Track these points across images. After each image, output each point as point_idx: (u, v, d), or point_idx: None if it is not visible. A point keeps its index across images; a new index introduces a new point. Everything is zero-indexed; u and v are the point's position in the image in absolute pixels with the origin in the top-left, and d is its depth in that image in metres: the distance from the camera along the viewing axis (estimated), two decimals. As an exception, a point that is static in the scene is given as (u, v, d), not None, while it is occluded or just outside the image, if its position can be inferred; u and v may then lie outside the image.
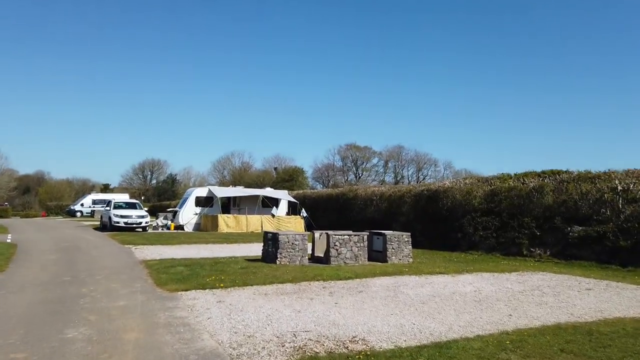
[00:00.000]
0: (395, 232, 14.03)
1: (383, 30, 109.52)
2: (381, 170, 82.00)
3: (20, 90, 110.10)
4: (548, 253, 14.68)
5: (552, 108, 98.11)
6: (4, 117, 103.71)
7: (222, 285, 9.48)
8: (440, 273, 11.76)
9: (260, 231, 27.40)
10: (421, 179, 78.87)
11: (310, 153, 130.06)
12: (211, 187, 30.01)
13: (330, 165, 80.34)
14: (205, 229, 27.65)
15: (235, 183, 59.34)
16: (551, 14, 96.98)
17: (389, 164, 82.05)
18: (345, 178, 79.60)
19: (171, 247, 17.79)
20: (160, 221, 29.00)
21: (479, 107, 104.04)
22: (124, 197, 45.02)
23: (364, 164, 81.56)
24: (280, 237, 12.31)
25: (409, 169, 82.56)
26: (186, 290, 9.05)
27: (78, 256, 14.37)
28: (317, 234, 13.54)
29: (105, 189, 78.20)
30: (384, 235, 13.72)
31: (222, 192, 29.26)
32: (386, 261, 13.49)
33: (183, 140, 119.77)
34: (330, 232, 13.15)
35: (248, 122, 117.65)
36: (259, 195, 29.01)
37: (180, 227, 28.23)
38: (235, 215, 27.93)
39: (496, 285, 10.09)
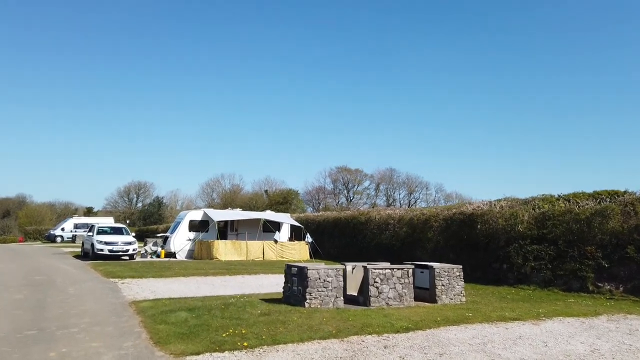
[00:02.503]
0: (443, 264, 11.57)
1: (374, 52, 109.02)
2: (372, 193, 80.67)
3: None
4: (621, 289, 12.31)
5: (543, 132, 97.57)
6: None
7: (245, 344, 6.87)
8: (515, 319, 9.28)
9: (261, 259, 24.68)
10: (412, 203, 77.29)
11: (300, 176, 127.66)
12: (207, 210, 27.27)
13: (321, 188, 78.27)
14: (200, 256, 24.81)
15: (226, 206, 56.57)
16: (547, 34, 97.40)
17: (381, 187, 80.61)
18: (337, 201, 77.63)
19: (165, 280, 15.05)
20: (150, 248, 26.08)
21: (469, 131, 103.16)
22: (109, 221, 42.04)
23: (356, 186, 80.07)
24: (310, 273, 9.75)
25: (401, 192, 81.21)
26: (197, 354, 6.44)
27: (51, 295, 11.59)
28: (349, 267, 11.01)
29: (89, 212, 74.74)
30: (430, 268, 11.24)
31: (219, 215, 26.54)
32: (435, 301, 10.98)
33: (170, 163, 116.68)
34: (368, 265, 10.64)
35: (237, 144, 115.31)
36: (260, 219, 26.34)
37: (171, 255, 25.38)
38: (233, 241, 25.17)
39: (608, 341, 7.63)
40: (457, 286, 11.30)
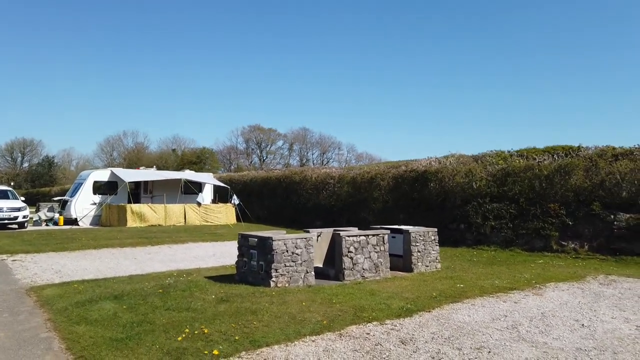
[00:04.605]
0: (418, 228, 10.19)
1: (289, 13, 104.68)
2: (286, 153, 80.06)
3: None
4: (586, 247, 11.92)
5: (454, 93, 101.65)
6: None
7: (216, 352, 4.86)
8: (511, 289, 8.18)
9: (183, 224, 22.01)
10: (325, 162, 77.53)
11: (211, 135, 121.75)
12: (115, 170, 23.60)
13: (232, 147, 75.62)
14: (109, 223, 21.49)
15: (130, 166, 51.87)
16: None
17: (294, 147, 79.98)
18: (250, 161, 75.60)
19: (72, 255, 12.19)
20: (44, 214, 22.15)
21: (380, 91, 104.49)
22: (-11, 183, 35.95)
23: (269, 146, 78.70)
24: (275, 244, 7.78)
25: (314, 151, 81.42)
26: (149, 376, 4.32)
27: None
28: (314, 234, 9.15)
29: (-37, 173, 64.63)
30: (405, 233, 9.80)
31: (130, 175, 23.07)
32: (411, 270, 9.63)
33: (61, 118, 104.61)
34: (339, 231, 8.91)
35: (140, 100, 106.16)
36: (179, 179, 23.34)
37: (72, 222, 21.74)
38: (150, 204, 22.07)
39: (636, 312, 6.71)
40: (433, 252, 10.03)
